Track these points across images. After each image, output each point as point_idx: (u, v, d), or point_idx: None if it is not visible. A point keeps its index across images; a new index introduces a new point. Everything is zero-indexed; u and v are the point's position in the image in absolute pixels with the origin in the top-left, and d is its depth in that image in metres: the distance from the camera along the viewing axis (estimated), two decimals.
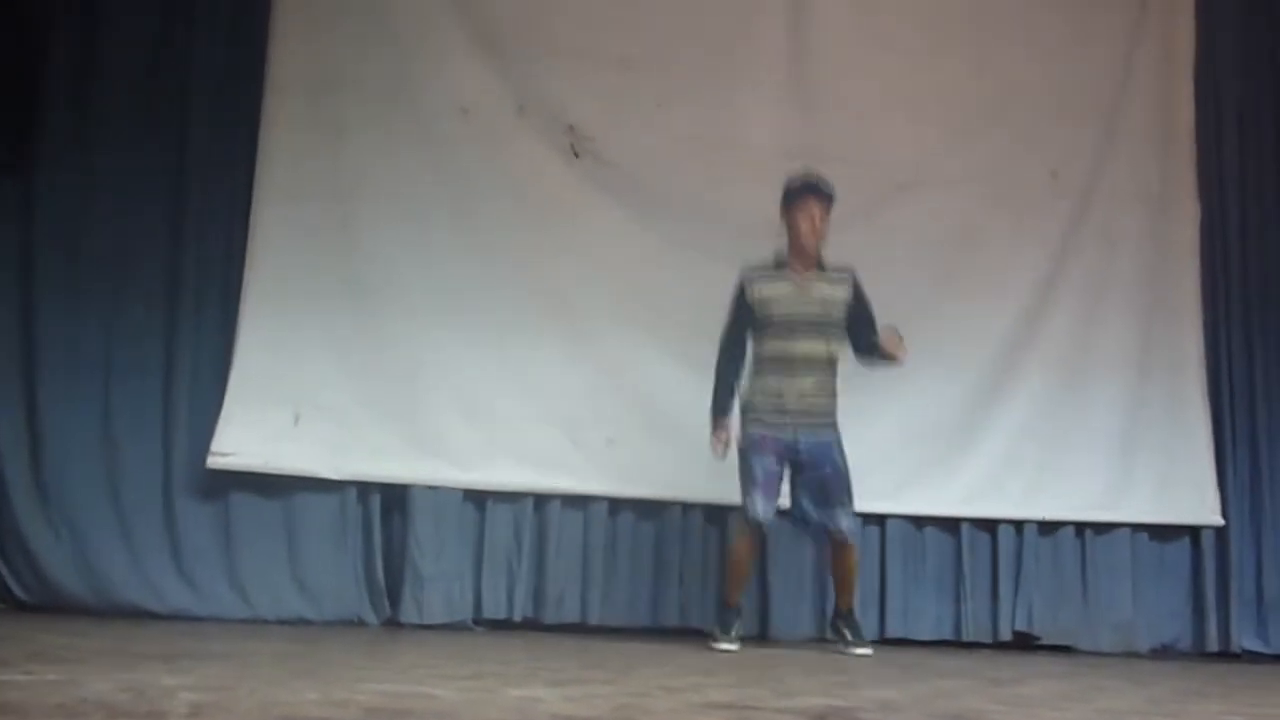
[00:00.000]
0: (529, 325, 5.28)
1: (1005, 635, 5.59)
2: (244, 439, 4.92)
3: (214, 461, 4.87)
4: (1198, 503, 5.80)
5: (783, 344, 4.64)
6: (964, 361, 5.68)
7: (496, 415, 5.21)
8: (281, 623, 4.85)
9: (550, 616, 5.19)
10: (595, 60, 5.52)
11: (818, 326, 4.67)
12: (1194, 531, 5.84)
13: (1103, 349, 5.82)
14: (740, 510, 4.68)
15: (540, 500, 5.26)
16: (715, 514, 5.39)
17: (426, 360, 5.18)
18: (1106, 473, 5.75)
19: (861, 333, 4.72)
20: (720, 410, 4.71)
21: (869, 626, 5.48)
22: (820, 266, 4.74)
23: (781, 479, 4.70)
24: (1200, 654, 5.70)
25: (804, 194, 4.69)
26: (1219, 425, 5.89)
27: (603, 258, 5.40)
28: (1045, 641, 5.60)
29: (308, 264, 5.12)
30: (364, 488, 5.12)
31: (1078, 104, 5.97)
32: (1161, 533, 5.84)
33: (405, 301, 5.19)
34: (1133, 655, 5.56)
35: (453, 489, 5.16)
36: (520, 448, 5.20)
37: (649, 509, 5.37)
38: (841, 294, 4.72)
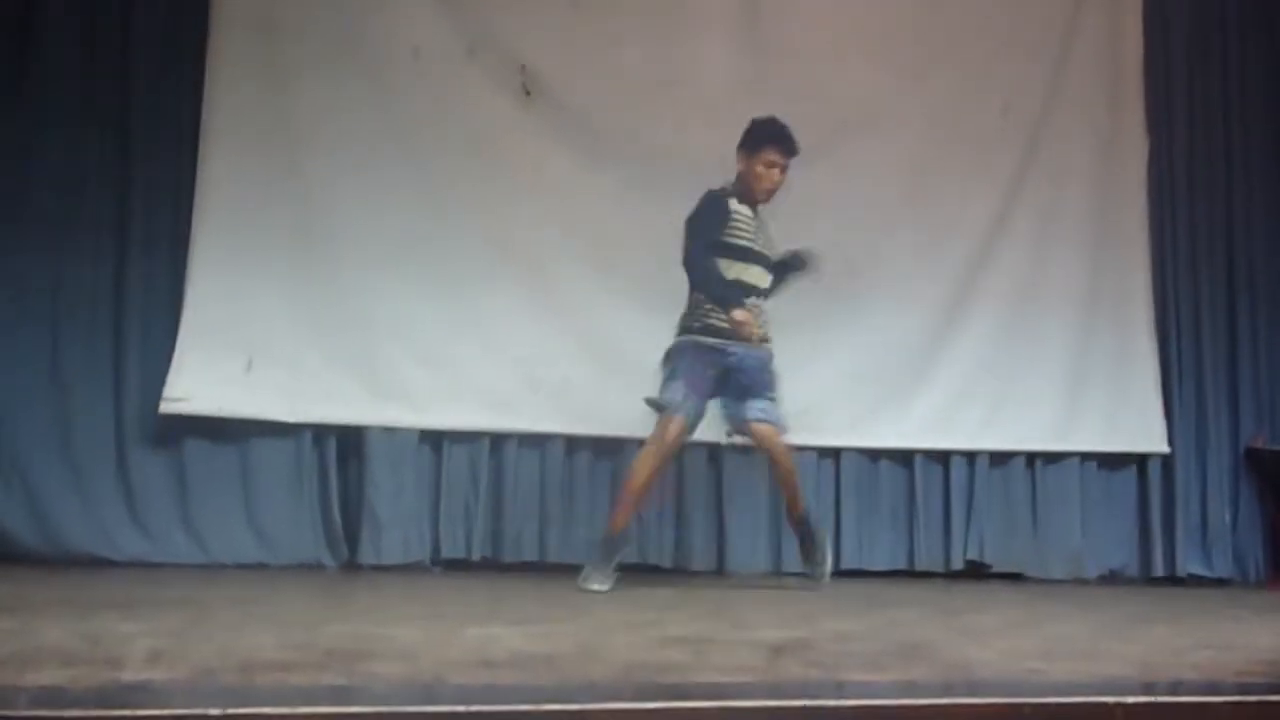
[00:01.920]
0: (482, 267, 5.25)
1: (958, 565, 5.69)
2: (197, 384, 4.88)
3: (166, 407, 4.83)
4: (1144, 432, 5.90)
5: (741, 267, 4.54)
6: (917, 297, 5.72)
7: (451, 357, 5.19)
8: (238, 568, 4.85)
9: (509, 556, 5.22)
10: (546, 2, 5.45)
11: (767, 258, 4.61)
12: (1141, 460, 5.94)
13: (1053, 283, 5.88)
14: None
15: (496, 440, 5.26)
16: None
17: (379, 303, 5.15)
18: (1056, 403, 5.83)
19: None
20: (734, 299, 4.49)
21: None
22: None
23: (709, 386, 4.51)
24: (1146, 580, 5.83)
25: (764, 143, 4.55)
26: (1165, 356, 5.98)
27: (556, 199, 5.37)
28: (996, 570, 5.70)
29: (257, 209, 5.05)
30: (319, 432, 5.10)
31: (1028, 39, 5.98)
32: (1109, 462, 5.94)
33: (357, 245, 5.14)
34: (1081, 582, 5.67)
35: (409, 431, 5.15)
36: (476, 389, 5.20)
37: (605, 447, 5.38)
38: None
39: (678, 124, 5.46)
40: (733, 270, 4.54)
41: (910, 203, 5.75)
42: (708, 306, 4.52)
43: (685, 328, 4.57)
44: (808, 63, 5.65)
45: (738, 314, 4.42)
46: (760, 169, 4.57)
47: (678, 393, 4.47)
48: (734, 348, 4.48)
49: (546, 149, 5.40)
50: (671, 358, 4.56)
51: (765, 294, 4.61)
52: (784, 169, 4.59)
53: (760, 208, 4.65)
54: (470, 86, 5.35)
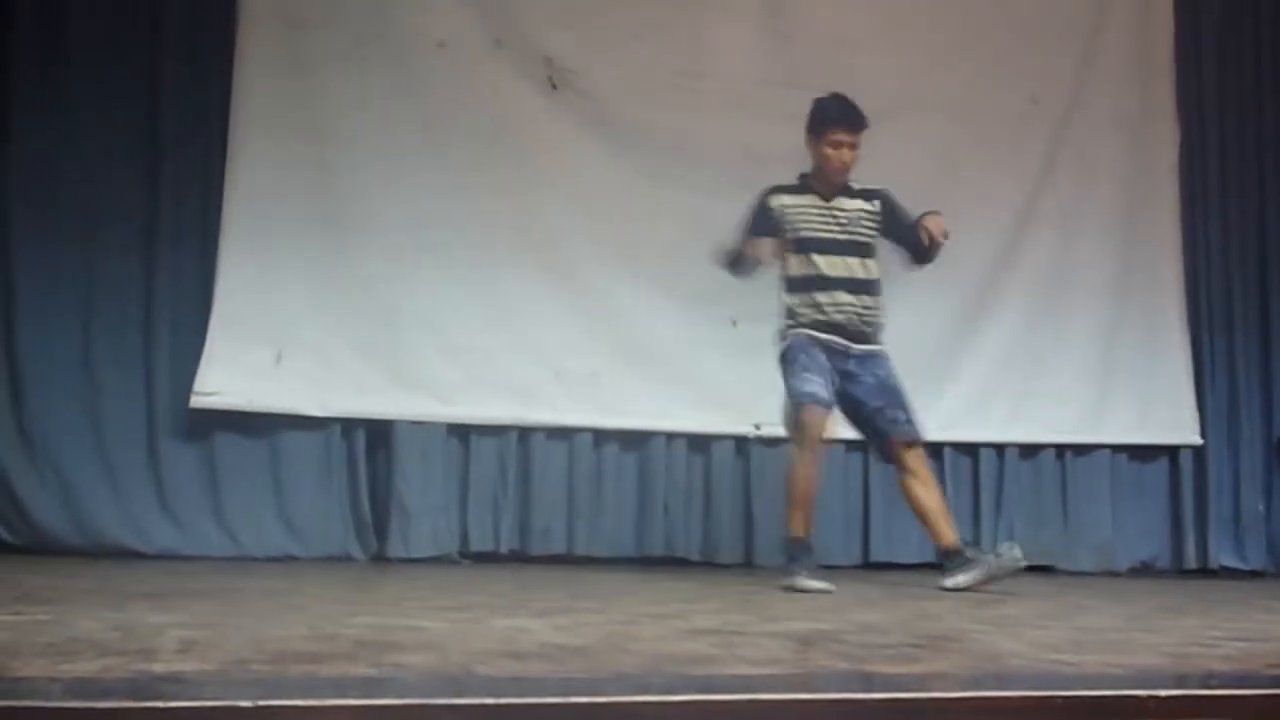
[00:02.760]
0: (510, 259, 5.26)
1: None
2: (227, 378, 4.91)
3: (197, 401, 4.87)
4: (1176, 423, 5.86)
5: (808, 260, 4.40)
6: (945, 288, 5.67)
7: (479, 349, 5.21)
8: (269, 560, 4.88)
9: (536, 548, 5.23)
10: None
11: (845, 245, 4.43)
12: (1172, 451, 5.90)
13: (1082, 273, 5.85)
14: (794, 411, 4.32)
15: (524, 433, 5.27)
16: (699, 443, 5.42)
17: (408, 296, 5.17)
18: (1086, 395, 5.80)
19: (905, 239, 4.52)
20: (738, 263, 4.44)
21: (852, 550, 5.55)
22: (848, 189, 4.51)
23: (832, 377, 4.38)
24: (1178, 572, 5.79)
25: (829, 124, 4.43)
26: (1197, 346, 5.93)
27: (582, 191, 5.38)
28: (1026, 562, 5.66)
29: (286, 203, 5.07)
30: (348, 424, 5.12)
31: (1057, 28, 5.93)
32: (1140, 453, 5.90)
33: (385, 238, 5.16)
34: (1112, 574, 5.64)
35: (437, 423, 5.17)
36: (503, 381, 5.21)
37: (633, 440, 5.39)
38: (870, 208, 4.49)
39: (703, 114, 5.46)
40: (803, 265, 4.40)
41: (937, 193, 5.67)
42: (795, 305, 4.40)
43: (789, 326, 4.42)
44: (833, 51, 5.62)
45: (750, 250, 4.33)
46: (829, 150, 4.42)
47: (810, 383, 4.30)
48: (855, 348, 4.39)
49: (572, 140, 5.40)
50: (787, 356, 4.41)
51: (860, 284, 4.41)
52: (854, 146, 4.41)
53: (843, 195, 4.47)
54: (496, 78, 5.35)
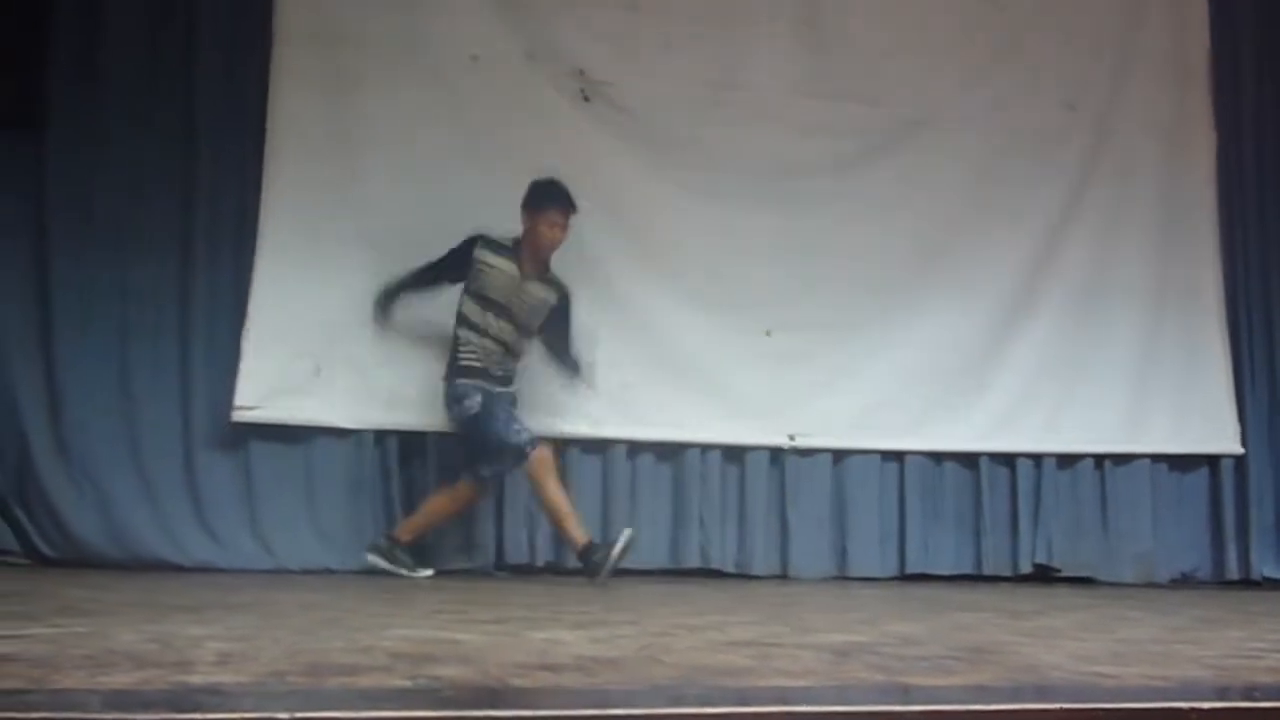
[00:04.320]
0: None
1: (1025, 568, 5.62)
2: (265, 392, 4.94)
3: (239, 415, 4.90)
4: (1216, 432, 5.80)
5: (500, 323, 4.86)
6: (981, 297, 5.66)
7: None
8: (305, 572, 4.89)
9: (572, 561, 5.21)
10: (603, 4, 5.47)
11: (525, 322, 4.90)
12: (1213, 461, 5.84)
13: (1120, 280, 5.80)
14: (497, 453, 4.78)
15: (560, 444, 5.27)
16: (733, 454, 5.41)
17: (441, 309, 5.17)
18: (1125, 404, 5.75)
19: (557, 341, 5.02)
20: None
21: (888, 562, 5.52)
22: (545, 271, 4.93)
23: None
24: (1220, 583, 5.72)
25: (547, 204, 4.82)
26: (1237, 354, 5.87)
27: (615, 202, 5.37)
28: (1065, 574, 5.62)
29: (320, 217, 5.10)
30: (381, 436, 5.14)
31: (1092, 35, 5.91)
32: (1180, 463, 5.85)
33: (418, 251, 5.16)
34: (1153, 585, 5.58)
35: None
36: (537, 393, 5.21)
37: (667, 451, 5.38)
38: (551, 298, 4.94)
39: (736, 126, 5.46)
40: (478, 316, 4.87)
41: (973, 201, 5.70)
42: (474, 345, 4.88)
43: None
44: (868, 61, 5.62)
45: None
46: (543, 229, 4.84)
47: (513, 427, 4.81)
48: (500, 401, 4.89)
49: (605, 152, 5.41)
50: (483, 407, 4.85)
51: (515, 354, 4.96)
52: (565, 227, 4.87)
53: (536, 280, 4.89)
54: (529, 91, 5.37)
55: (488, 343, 4.85)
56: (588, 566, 4.66)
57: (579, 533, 4.75)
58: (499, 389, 4.88)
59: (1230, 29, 6.04)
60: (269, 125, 5.09)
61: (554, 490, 4.77)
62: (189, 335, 5.01)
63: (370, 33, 5.26)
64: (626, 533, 4.71)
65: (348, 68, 5.23)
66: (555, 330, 4.99)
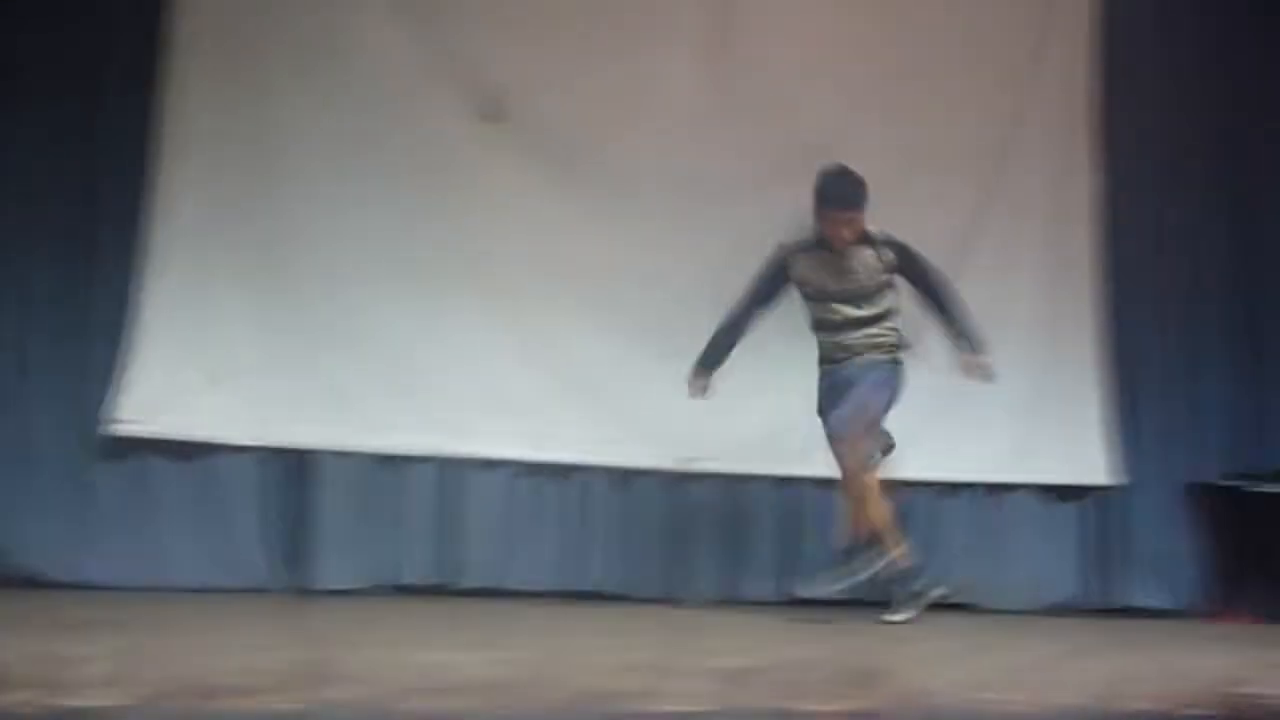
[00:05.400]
0: (448, 288, 5.22)
1: None
2: (149, 405, 4.83)
3: (117, 429, 4.77)
4: (1095, 464, 5.94)
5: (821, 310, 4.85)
6: None
7: (412, 378, 5.16)
8: (193, 590, 4.78)
9: (466, 581, 5.19)
10: (516, 20, 5.44)
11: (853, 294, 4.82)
12: (1090, 492, 5.98)
13: (1009, 315, 5.90)
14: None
15: (456, 464, 5.24)
16: (627, 476, 5.43)
17: (340, 322, 5.11)
18: (1009, 435, 5.85)
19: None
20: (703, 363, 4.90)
21: (770, 587, 5.55)
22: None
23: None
24: (1095, 610, 5.86)
25: (824, 205, 4.75)
26: (1119, 389, 6.02)
27: (523, 219, 5.35)
28: (949, 600, 5.71)
29: (218, 225, 5.00)
30: (276, 452, 5.05)
31: (994, 68, 6.00)
32: (1060, 493, 5.98)
33: (318, 264, 5.10)
34: (1031, 612, 5.70)
35: (365, 453, 5.12)
36: (435, 411, 5.17)
37: (564, 472, 5.37)
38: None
39: (648, 143, 5.46)
40: (815, 311, 4.88)
41: (875, 226, 5.77)
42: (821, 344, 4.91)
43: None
44: (778, 85, 5.65)
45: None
46: (825, 225, 4.77)
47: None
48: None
49: (515, 166, 5.37)
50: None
51: (850, 322, 4.83)
52: (848, 223, 4.74)
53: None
54: (438, 103, 5.31)
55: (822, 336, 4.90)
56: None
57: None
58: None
59: (1124, 68, 6.18)
60: (161, 128, 4.98)
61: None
62: (82, 343, 4.88)
63: (269, 39, 5.17)
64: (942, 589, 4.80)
65: (245, 73, 5.13)
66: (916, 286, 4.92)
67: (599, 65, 5.48)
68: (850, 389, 4.77)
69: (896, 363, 4.87)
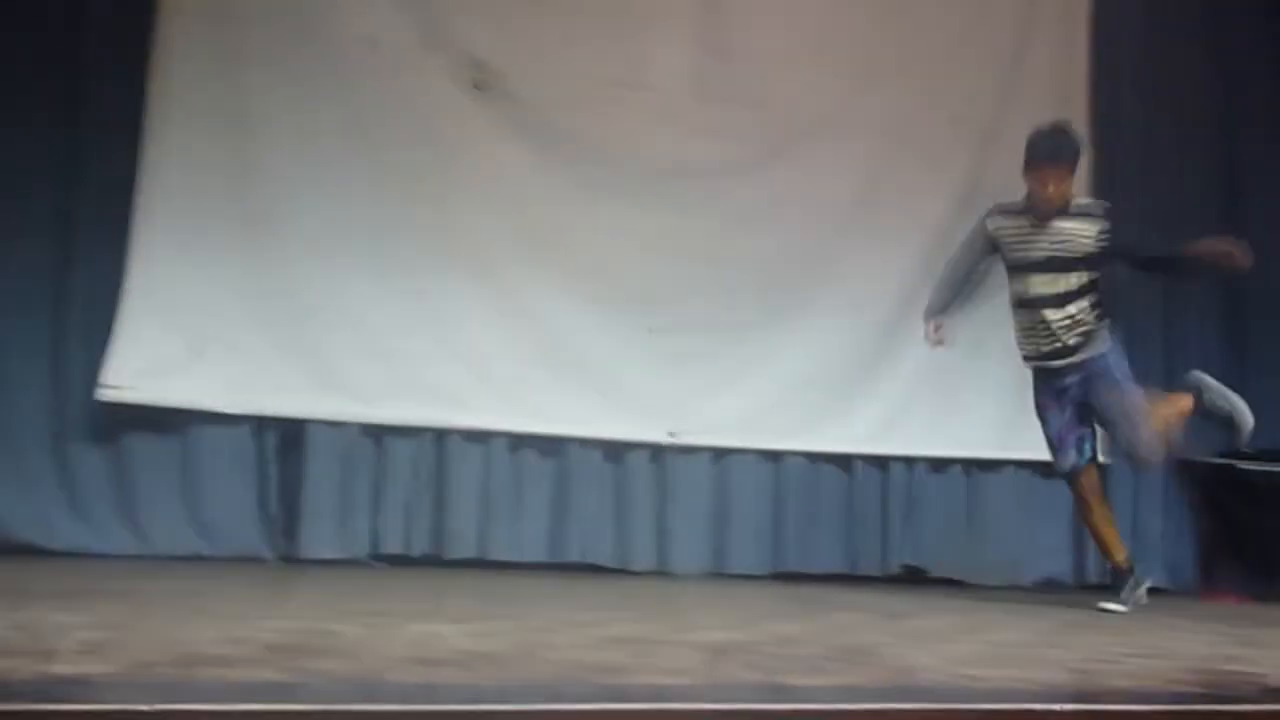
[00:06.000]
0: (433, 261, 5.22)
1: (895, 569, 5.73)
2: (137, 372, 4.81)
3: (105, 394, 4.76)
4: None
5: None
6: (865, 305, 5.74)
7: (398, 350, 5.16)
8: (178, 559, 4.78)
9: (450, 552, 5.19)
10: None
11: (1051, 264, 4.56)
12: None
13: (999, 292, 5.91)
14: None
15: (440, 436, 5.24)
16: (615, 450, 5.43)
17: (327, 294, 5.10)
18: (997, 412, 5.87)
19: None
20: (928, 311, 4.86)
21: (765, 559, 5.59)
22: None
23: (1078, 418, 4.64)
24: (1081, 587, 5.90)
25: (1032, 159, 4.54)
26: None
27: (508, 195, 5.35)
28: (934, 575, 5.75)
29: (205, 196, 4.98)
30: (261, 422, 5.05)
31: (981, 50, 6.01)
32: (1047, 470, 5.99)
33: (307, 237, 5.09)
34: (1018, 588, 5.73)
35: (351, 424, 5.12)
36: (423, 384, 5.17)
37: (549, 445, 5.38)
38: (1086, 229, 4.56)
39: (632, 124, 5.47)
40: (1012, 283, 4.67)
41: (861, 210, 5.78)
42: (1016, 328, 4.70)
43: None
44: (765, 67, 5.66)
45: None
46: (1033, 183, 4.56)
47: (1057, 460, 4.71)
48: (1053, 363, 4.62)
49: (501, 144, 5.37)
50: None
51: (1050, 299, 4.57)
52: (1057, 181, 4.50)
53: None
54: (424, 79, 5.30)
55: (1020, 315, 4.67)
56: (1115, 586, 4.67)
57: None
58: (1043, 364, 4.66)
59: (1111, 49, 6.20)
60: (151, 99, 4.95)
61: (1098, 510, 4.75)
62: (64, 312, 4.87)
63: (261, 10, 5.15)
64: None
65: (236, 44, 5.11)
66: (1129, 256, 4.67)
67: (586, 45, 5.48)
68: (1094, 398, 4.56)
69: (1106, 341, 4.61)
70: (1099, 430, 4.68)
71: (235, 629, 2.53)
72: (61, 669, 1.93)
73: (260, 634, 2.47)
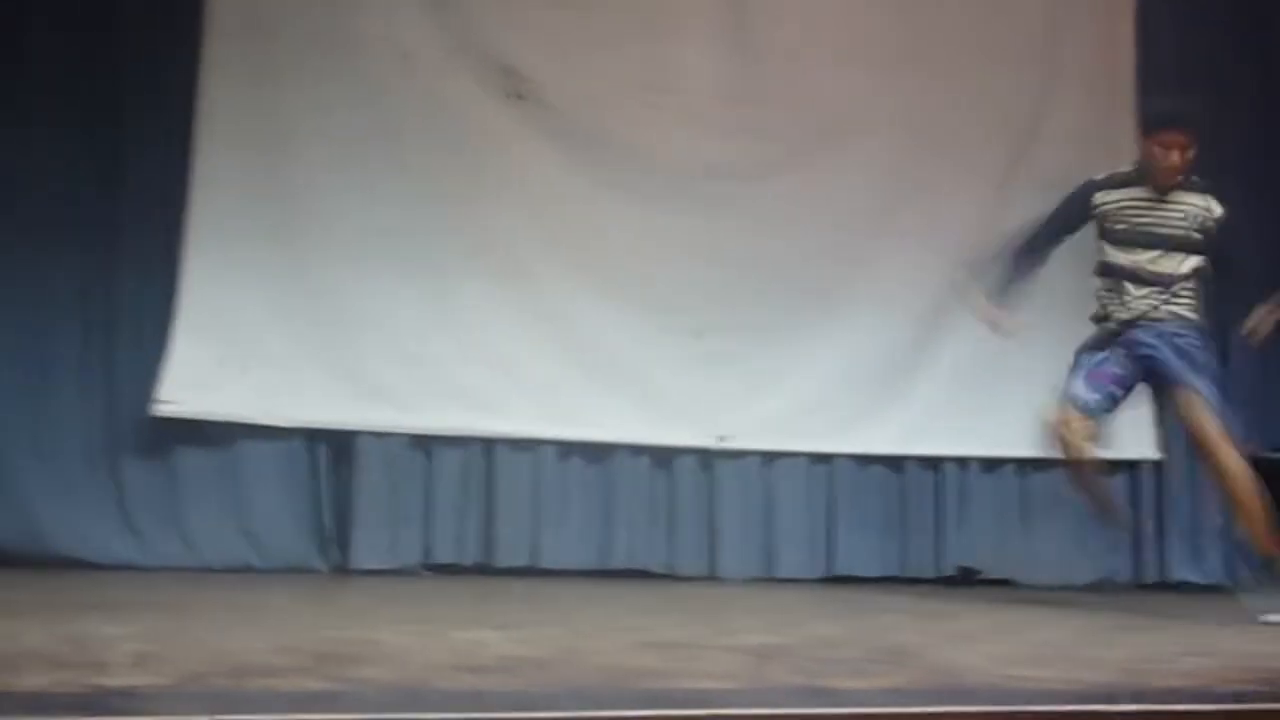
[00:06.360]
0: (470, 269, 5.25)
1: (949, 571, 5.68)
2: (188, 387, 4.87)
3: (160, 409, 4.82)
4: (1136, 438, 5.88)
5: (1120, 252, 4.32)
6: (903, 303, 5.70)
7: (439, 359, 5.18)
8: (228, 571, 4.83)
9: (500, 560, 5.21)
10: (532, 3, 5.45)
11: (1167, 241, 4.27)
12: (1132, 466, 5.94)
13: (1043, 287, 5.85)
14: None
15: (488, 445, 5.25)
16: (662, 455, 5.43)
17: (369, 306, 5.14)
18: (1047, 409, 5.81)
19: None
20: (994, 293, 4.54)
21: (815, 564, 5.56)
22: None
23: (1121, 379, 4.31)
24: (1137, 585, 5.82)
25: (1152, 125, 4.26)
26: None
27: (542, 201, 5.37)
28: (987, 576, 5.70)
29: (250, 212, 5.04)
30: (310, 434, 5.09)
31: (1018, 46, 5.95)
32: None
33: (346, 248, 5.13)
34: (1072, 588, 5.66)
35: (399, 434, 5.15)
36: (461, 391, 5.19)
37: (597, 452, 5.38)
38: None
39: (662, 127, 5.47)
40: (1116, 256, 4.33)
41: (895, 209, 5.73)
42: (1102, 292, 4.38)
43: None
44: (793, 67, 5.64)
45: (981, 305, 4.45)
46: (1156, 150, 4.23)
47: (1072, 385, 4.33)
48: (1137, 331, 4.25)
49: (533, 150, 5.39)
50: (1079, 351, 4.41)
51: (1158, 278, 4.26)
52: (1184, 148, 4.19)
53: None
54: (458, 87, 5.33)
55: (1110, 282, 4.34)
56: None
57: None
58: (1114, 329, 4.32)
59: (1156, 41, 6.12)
60: (198, 118, 5.01)
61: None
62: (114, 329, 4.94)
63: (301, 27, 5.20)
64: None
65: (279, 61, 5.17)
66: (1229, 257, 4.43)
67: (615, 49, 5.49)
68: (1174, 377, 4.22)
69: (1204, 333, 4.32)
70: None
71: (284, 638, 2.55)
72: (112, 681, 1.95)
73: (308, 643, 2.49)
